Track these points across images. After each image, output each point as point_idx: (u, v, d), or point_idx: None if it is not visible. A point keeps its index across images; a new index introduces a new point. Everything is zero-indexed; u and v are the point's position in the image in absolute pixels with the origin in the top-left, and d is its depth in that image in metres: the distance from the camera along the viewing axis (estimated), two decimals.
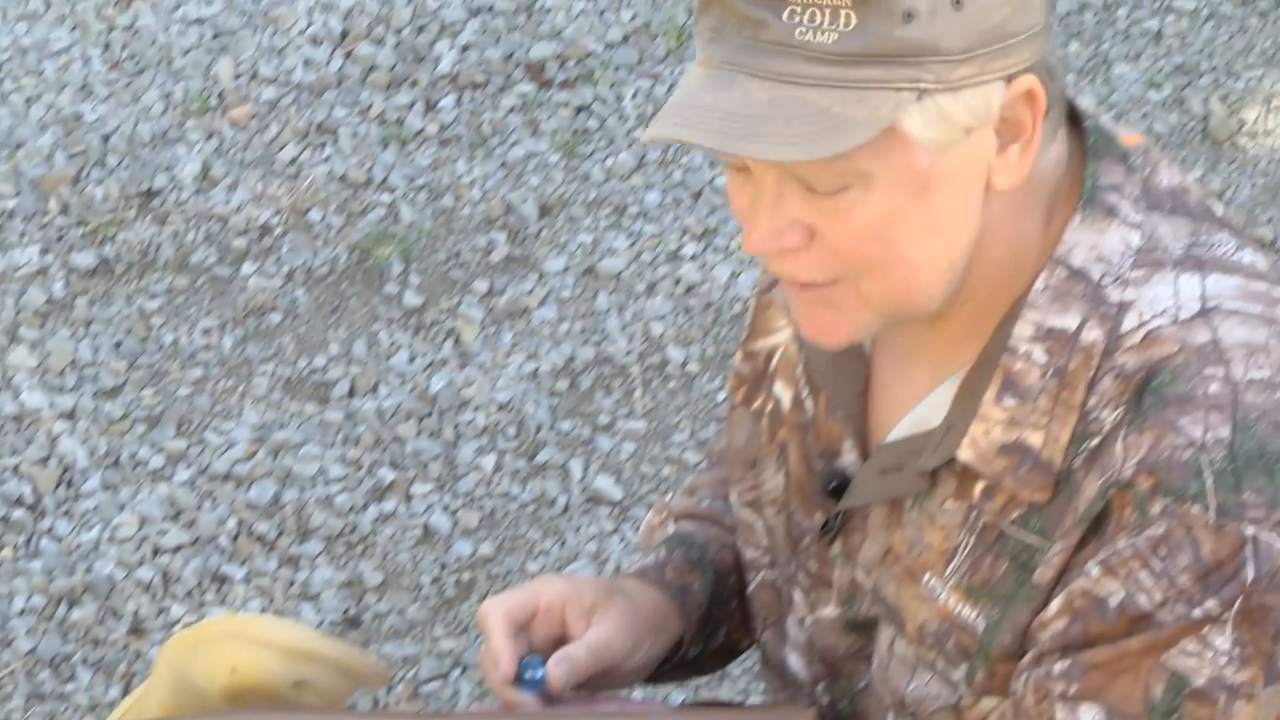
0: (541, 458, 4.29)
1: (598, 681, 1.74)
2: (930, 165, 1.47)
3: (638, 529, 4.14)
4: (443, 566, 4.08)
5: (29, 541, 4.07)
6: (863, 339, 1.52)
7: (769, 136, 1.43)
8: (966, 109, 1.48)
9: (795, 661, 1.72)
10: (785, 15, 1.45)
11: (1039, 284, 1.54)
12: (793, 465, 1.70)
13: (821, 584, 1.67)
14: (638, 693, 3.41)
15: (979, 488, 1.55)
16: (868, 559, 1.62)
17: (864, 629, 1.64)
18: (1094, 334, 1.52)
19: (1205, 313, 1.53)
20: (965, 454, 1.54)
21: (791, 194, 1.48)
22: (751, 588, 1.79)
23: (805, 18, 1.45)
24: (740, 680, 3.82)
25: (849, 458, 1.65)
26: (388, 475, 4.22)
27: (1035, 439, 1.52)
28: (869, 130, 1.44)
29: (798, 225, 1.48)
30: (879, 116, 1.44)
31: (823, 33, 1.44)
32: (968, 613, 1.55)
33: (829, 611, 1.67)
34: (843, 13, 1.43)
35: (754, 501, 1.75)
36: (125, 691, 3.73)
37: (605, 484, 4.24)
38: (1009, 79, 1.50)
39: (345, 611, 3.97)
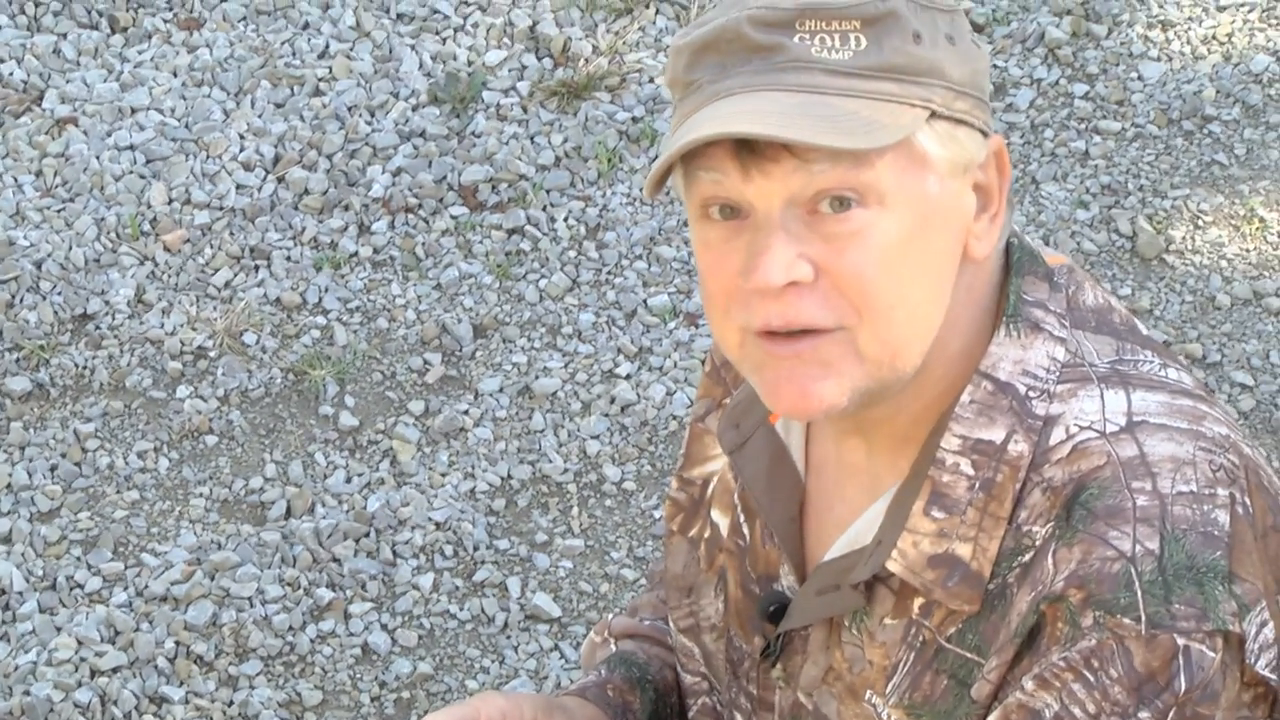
0: (479, 576, 4.29)
1: None
2: (936, 196, 1.50)
3: (576, 646, 4.15)
4: (382, 685, 4.07)
5: None
6: (840, 404, 1.52)
7: (812, 128, 1.47)
8: (966, 143, 1.53)
9: None
10: (796, 40, 1.49)
11: (965, 397, 1.55)
12: (731, 590, 1.70)
13: (763, 707, 1.67)
14: None
15: (917, 604, 1.55)
16: (809, 680, 1.62)
17: None
18: (1020, 447, 1.54)
19: (1131, 427, 1.55)
20: (895, 565, 1.54)
21: (795, 222, 1.49)
22: (692, 713, 1.79)
23: (816, 42, 1.49)
24: None
25: (787, 580, 1.65)
26: (325, 595, 4.22)
27: (964, 550, 1.52)
28: (898, 132, 1.48)
29: (804, 259, 1.49)
30: (902, 124, 1.48)
31: (837, 52, 1.49)
32: None
33: None
34: (852, 36, 1.48)
35: (692, 628, 1.75)
36: None
37: (543, 601, 4.24)
38: (985, 135, 1.55)
39: None
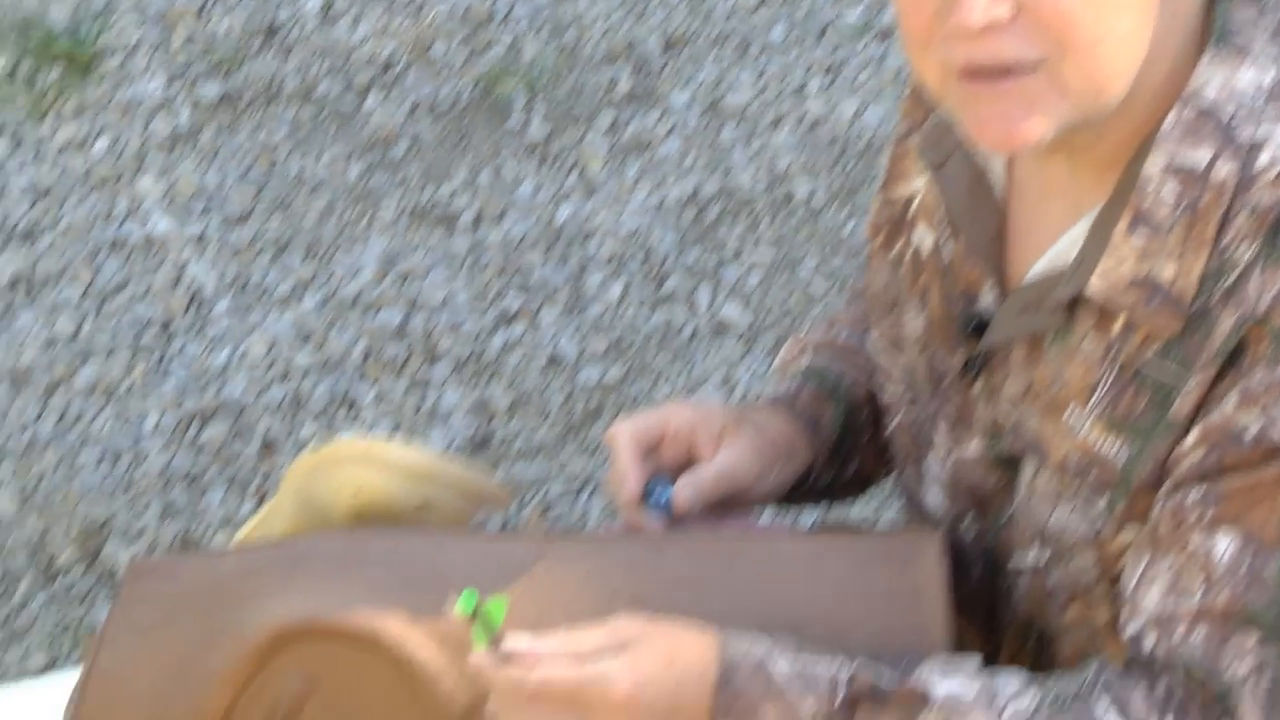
0: (668, 286, 4.28)
1: (724, 505, 1.75)
2: None
3: (765, 356, 4.14)
4: (571, 390, 4.09)
5: (160, 363, 4.11)
6: (1046, 137, 1.48)
7: None
8: None
9: (935, 498, 1.72)
10: None
11: (1169, 121, 1.52)
12: (934, 307, 1.68)
13: (964, 422, 1.66)
14: (765, 516, 3.42)
15: (1117, 325, 1.54)
16: (1010, 396, 1.61)
17: (1008, 464, 1.63)
18: (1226, 170, 1.50)
19: None
20: (1096, 287, 1.52)
21: None
22: (890, 428, 1.78)
23: None
24: (869, 504, 3.82)
25: (988, 298, 1.63)
26: (514, 302, 4.23)
27: (1166, 273, 1.50)
28: None
29: None
30: None
31: None
32: (1109, 446, 1.54)
33: (972, 449, 1.66)
34: None
35: (894, 343, 1.74)
36: (256, 508, 3.78)
37: (732, 311, 4.23)
38: None
39: (474, 434, 3.99)
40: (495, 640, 1.42)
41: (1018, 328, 1.59)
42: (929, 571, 1.60)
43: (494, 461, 3.92)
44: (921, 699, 1.45)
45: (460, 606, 1.39)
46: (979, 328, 1.63)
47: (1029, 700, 1.47)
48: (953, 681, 1.46)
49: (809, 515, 3.72)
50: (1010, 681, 1.48)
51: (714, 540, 1.64)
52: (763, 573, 1.60)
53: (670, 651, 1.44)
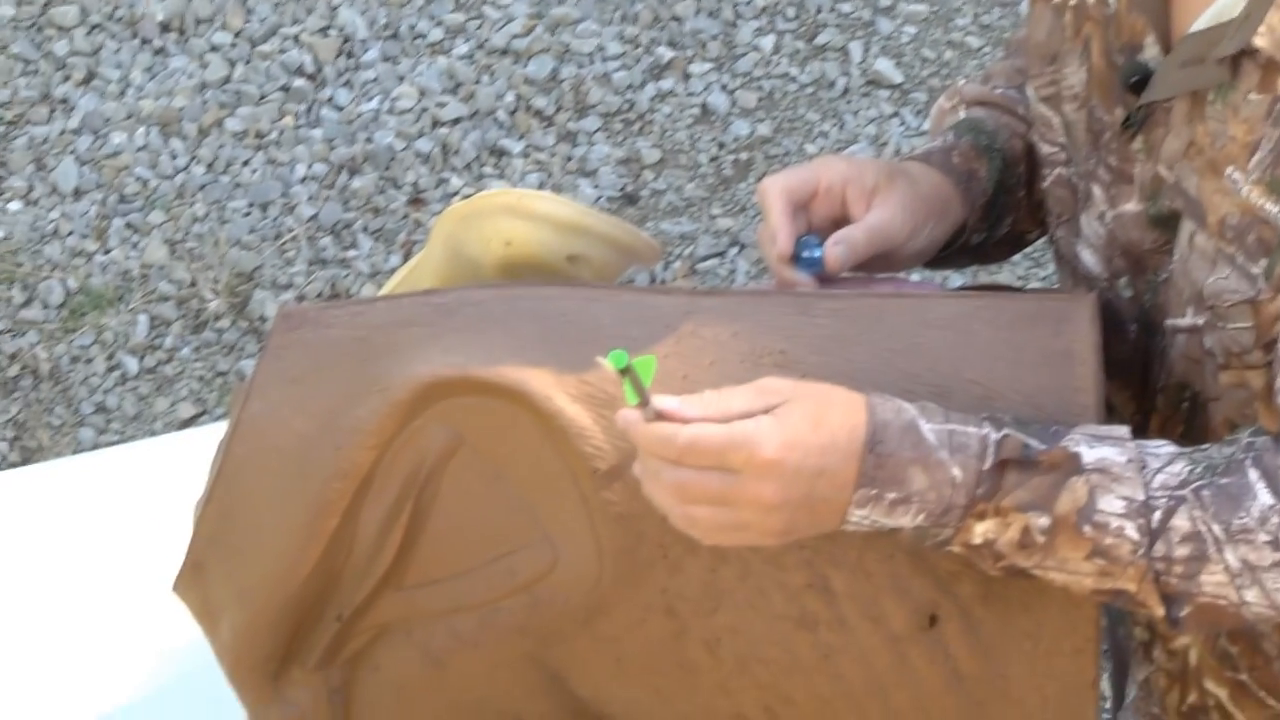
0: (821, 39, 4.22)
1: (875, 264, 1.72)
2: None
3: (917, 113, 4.08)
4: (720, 145, 4.05)
5: (310, 110, 4.11)
6: None
7: None
8: None
9: (1089, 257, 1.68)
10: None
11: None
12: (1095, 60, 1.63)
13: (1122, 179, 1.62)
14: (915, 275, 3.39)
15: None
16: (1170, 153, 1.56)
17: (1166, 223, 1.59)
18: None
19: None
20: (1262, 40, 1.47)
21: None
22: (1046, 183, 1.74)
23: None
24: (1021, 266, 3.78)
25: (1151, 51, 1.58)
26: (666, 53, 4.19)
27: None
28: None
29: None
30: None
31: None
32: (1269, 206, 1.50)
33: (1130, 206, 1.61)
34: None
35: (1052, 96, 1.69)
36: (404, 259, 3.79)
37: (885, 67, 4.17)
38: None
39: (623, 188, 3.97)
40: (644, 399, 1.41)
41: (1180, 83, 1.54)
42: (1082, 334, 1.56)
43: (641, 217, 3.90)
44: (1072, 463, 1.43)
45: (610, 364, 1.38)
46: (1141, 82, 1.58)
47: (1179, 468, 1.44)
48: (1103, 448, 1.44)
49: (958, 277, 3.69)
50: (1160, 451, 1.46)
51: (864, 299, 1.61)
52: (912, 332, 1.58)
53: (818, 413, 1.42)
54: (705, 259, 3.80)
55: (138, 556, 2.10)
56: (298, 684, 1.59)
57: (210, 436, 2.09)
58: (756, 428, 1.40)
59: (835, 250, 1.67)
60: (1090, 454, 1.43)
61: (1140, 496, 1.42)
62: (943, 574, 1.50)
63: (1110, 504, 1.42)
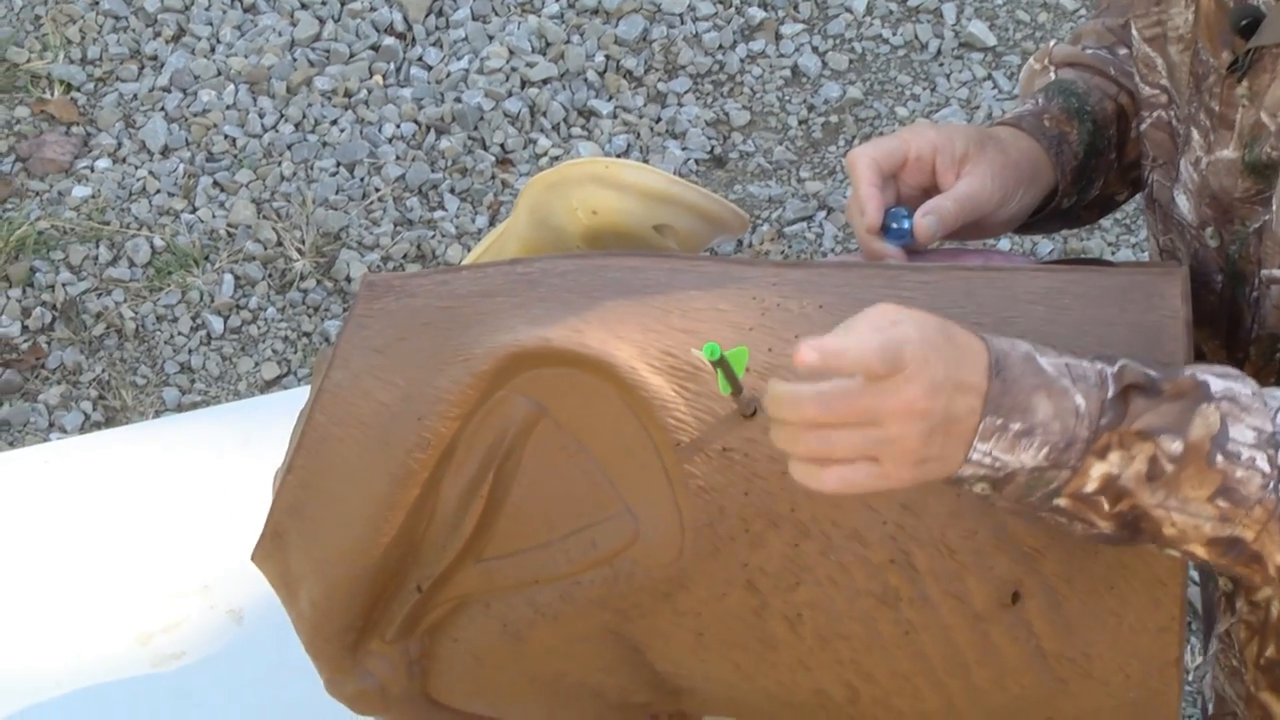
0: (915, 1, 4.18)
1: (965, 232, 1.70)
2: None
3: (1010, 76, 4.04)
4: (810, 108, 4.03)
5: (399, 70, 4.11)
6: None
7: None
8: None
9: (1183, 203, 1.65)
10: None
11: None
12: (1203, 1, 1.61)
13: (1224, 125, 1.60)
14: (1004, 243, 3.36)
15: None
16: (1274, 100, 1.54)
17: (1263, 172, 1.56)
18: None
19: None
20: None
21: None
22: (1145, 125, 1.72)
23: None
24: (1111, 232, 3.74)
25: None
26: (757, 14, 4.16)
27: None
28: None
29: None
30: None
31: None
32: None
33: (1228, 153, 1.59)
34: None
35: (1157, 37, 1.66)
36: (491, 221, 3.78)
37: (979, 29, 4.13)
38: None
39: (711, 150, 3.95)
40: (736, 388, 1.40)
41: None
42: (1172, 309, 1.54)
43: (729, 180, 3.88)
44: (1200, 391, 1.39)
45: (704, 356, 1.37)
46: (1251, 26, 1.55)
47: None
48: (1228, 381, 1.41)
49: (1046, 245, 3.66)
50: (1275, 392, 1.43)
51: (953, 272, 1.59)
52: (1002, 306, 1.56)
53: (944, 326, 1.38)
54: (793, 223, 3.78)
55: (216, 526, 2.10)
56: (376, 655, 1.59)
57: (291, 401, 2.09)
58: (901, 332, 1.36)
59: (925, 221, 1.65)
60: (1217, 384, 1.40)
61: (1269, 428, 1.38)
62: (1027, 550, 1.49)
63: (1242, 433, 1.37)
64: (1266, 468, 1.36)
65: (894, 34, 4.14)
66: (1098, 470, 1.36)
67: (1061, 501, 1.38)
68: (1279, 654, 1.67)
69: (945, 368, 1.35)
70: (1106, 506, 1.37)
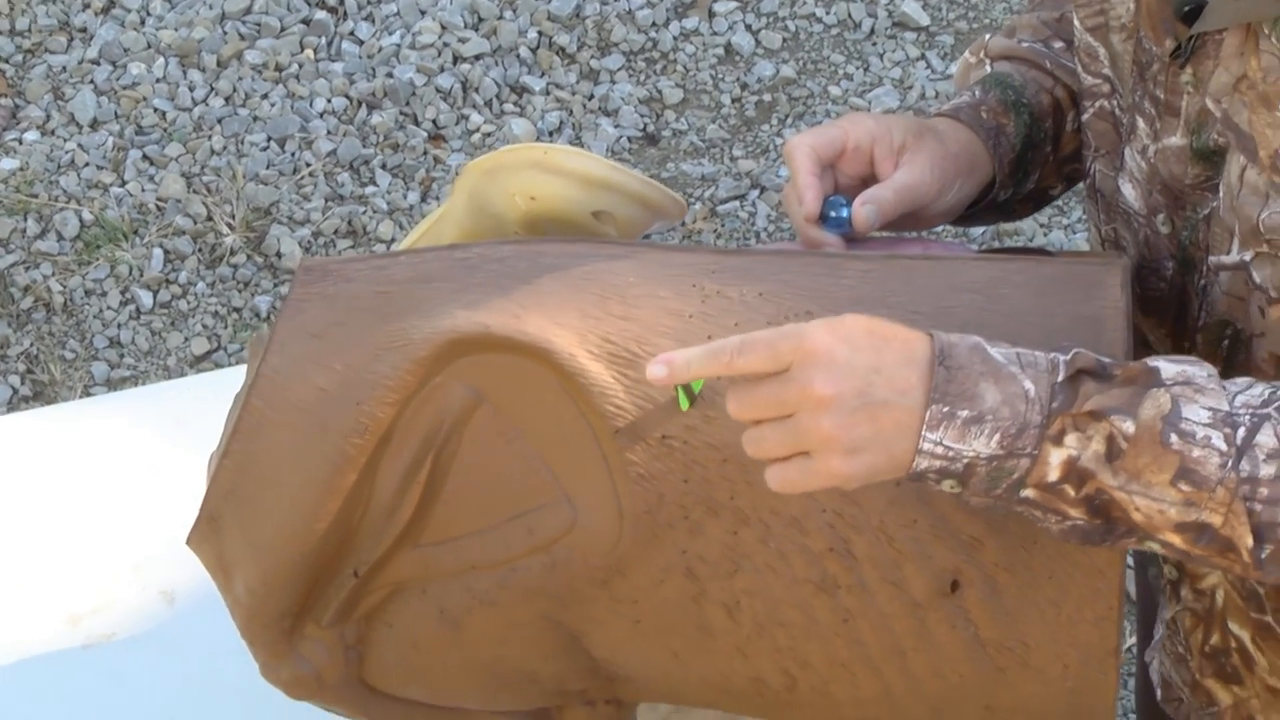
0: None
1: (903, 223, 1.70)
2: None
3: (943, 56, 4.04)
4: (743, 86, 4.02)
5: (330, 44, 4.09)
6: None
7: None
8: None
9: (1129, 192, 1.66)
10: None
11: None
12: None
13: (1169, 112, 1.60)
14: (943, 235, 3.36)
15: None
16: (1219, 86, 1.54)
17: (1209, 158, 1.57)
18: None
19: None
20: None
21: None
22: (1086, 116, 1.72)
23: None
24: (1044, 213, 3.76)
25: None
26: None
27: None
28: None
29: None
30: None
31: None
32: None
33: (1175, 140, 1.59)
34: None
35: (1099, 27, 1.67)
36: (423, 198, 3.77)
37: (912, 9, 4.13)
38: None
39: (644, 128, 3.94)
40: (694, 399, 1.41)
41: (1234, 14, 1.52)
42: (1112, 300, 1.55)
43: (662, 158, 3.88)
44: (1151, 376, 1.39)
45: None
46: (1193, 13, 1.56)
47: (1259, 390, 1.42)
48: (1182, 364, 1.41)
49: (980, 233, 3.67)
50: (1235, 378, 1.43)
51: (892, 261, 1.60)
52: (942, 295, 1.56)
53: (871, 320, 1.39)
54: (726, 201, 3.78)
55: (147, 507, 2.09)
56: (312, 640, 1.58)
57: (223, 382, 2.08)
58: (806, 324, 1.38)
59: (863, 210, 1.65)
60: (1170, 368, 1.40)
61: (1224, 407, 1.38)
62: (966, 539, 1.49)
63: (1195, 413, 1.38)
64: (1223, 445, 1.37)
65: (827, 13, 4.14)
66: (1057, 457, 1.37)
67: (1028, 493, 1.38)
68: (1223, 641, 1.68)
69: (854, 353, 1.36)
70: (1072, 493, 1.38)
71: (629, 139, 3.91)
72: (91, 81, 4.00)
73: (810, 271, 1.58)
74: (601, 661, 1.59)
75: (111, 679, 1.95)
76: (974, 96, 1.79)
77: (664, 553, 1.52)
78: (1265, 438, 1.38)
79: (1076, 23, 1.69)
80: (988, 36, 1.86)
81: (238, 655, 1.67)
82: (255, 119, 3.92)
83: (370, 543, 1.55)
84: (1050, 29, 1.83)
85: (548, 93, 3.98)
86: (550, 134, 3.88)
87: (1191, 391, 1.39)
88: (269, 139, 3.88)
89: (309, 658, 1.59)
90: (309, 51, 4.05)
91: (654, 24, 4.11)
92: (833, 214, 1.66)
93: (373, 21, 4.12)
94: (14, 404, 3.44)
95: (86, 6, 4.16)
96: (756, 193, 3.80)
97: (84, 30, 4.12)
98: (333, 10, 4.14)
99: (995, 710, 1.54)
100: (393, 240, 3.69)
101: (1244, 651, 1.67)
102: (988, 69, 1.83)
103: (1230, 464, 1.37)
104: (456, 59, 4.03)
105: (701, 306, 1.54)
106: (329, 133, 3.89)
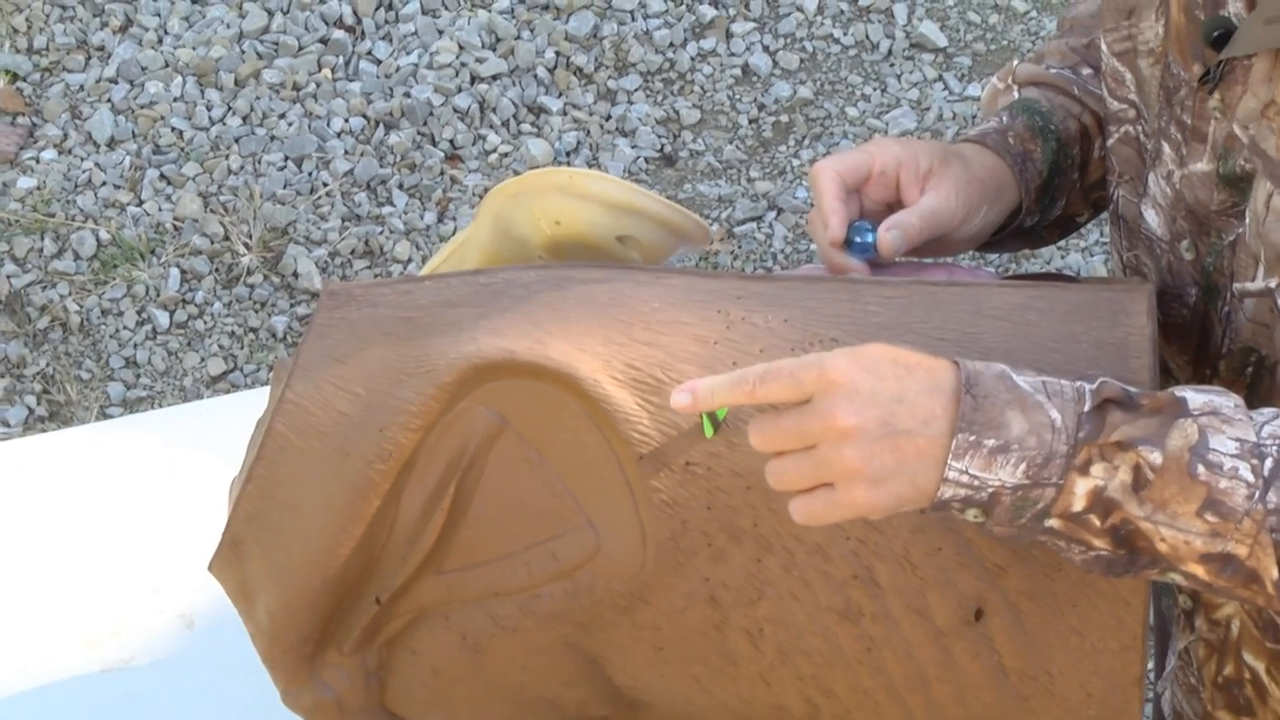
0: (866, 1, 4.18)
1: (928, 249, 1.70)
2: None
3: (961, 77, 4.04)
4: (761, 107, 4.02)
5: (348, 64, 4.09)
6: None
7: None
8: None
9: (1152, 218, 1.66)
10: None
11: None
12: (1174, 14, 1.61)
13: (1196, 138, 1.60)
14: (966, 260, 3.36)
15: None
16: (1247, 112, 1.54)
17: (1236, 184, 1.56)
18: None
19: None
20: None
21: None
22: (1112, 141, 1.72)
23: None
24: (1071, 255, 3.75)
25: (1234, 6, 1.56)
26: (708, 12, 4.15)
27: None
28: None
29: None
30: None
31: None
32: None
33: (1201, 166, 1.59)
34: None
35: (1127, 51, 1.66)
36: (439, 218, 3.76)
37: (930, 30, 4.13)
38: None
39: (661, 148, 3.94)
40: (718, 425, 1.41)
41: (1264, 39, 1.52)
42: (1138, 326, 1.54)
43: (679, 179, 3.88)
44: (1178, 406, 1.39)
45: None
46: (1222, 38, 1.55)
47: None
48: (1209, 394, 1.41)
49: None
50: (1262, 409, 1.43)
51: (917, 287, 1.59)
52: (966, 322, 1.55)
53: (894, 349, 1.39)
54: (743, 222, 3.77)
55: (166, 530, 2.08)
56: (333, 666, 1.58)
57: (242, 404, 2.08)
58: (828, 353, 1.38)
59: (889, 236, 1.65)
60: (1197, 398, 1.39)
61: (1252, 438, 1.38)
62: (990, 567, 1.48)
63: (1223, 444, 1.37)
64: (1250, 477, 1.36)
65: (845, 34, 4.14)
66: (1083, 487, 1.36)
67: (1053, 523, 1.37)
68: (1237, 672, 1.67)
69: (877, 382, 1.36)
70: (1097, 523, 1.37)
71: (646, 159, 3.90)
72: (109, 100, 4.00)
73: (835, 297, 1.57)
74: (624, 688, 1.58)
75: (130, 703, 1.94)
76: (1001, 122, 1.78)
77: (687, 580, 1.51)
78: None
79: (1104, 47, 1.69)
80: (1015, 62, 1.86)
81: (258, 680, 1.67)
82: (272, 138, 3.92)
83: (393, 568, 1.55)
84: (1079, 55, 1.82)
85: (565, 113, 3.98)
86: (567, 154, 3.88)
87: (1219, 422, 1.38)
88: (286, 158, 3.88)
89: (331, 684, 1.58)
90: (326, 71, 4.06)
91: (671, 44, 4.11)
92: (858, 239, 1.65)
93: (390, 41, 4.12)
94: (30, 424, 3.44)
95: (104, 25, 4.16)
96: (774, 214, 3.79)
97: (102, 49, 4.12)
98: (350, 30, 4.14)
99: None
100: (409, 261, 3.69)
101: (1258, 683, 1.66)
102: (1015, 95, 1.83)
103: (1257, 495, 1.36)
104: (474, 79, 4.03)
105: (726, 333, 1.53)
106: (346, 152, 3.89)
